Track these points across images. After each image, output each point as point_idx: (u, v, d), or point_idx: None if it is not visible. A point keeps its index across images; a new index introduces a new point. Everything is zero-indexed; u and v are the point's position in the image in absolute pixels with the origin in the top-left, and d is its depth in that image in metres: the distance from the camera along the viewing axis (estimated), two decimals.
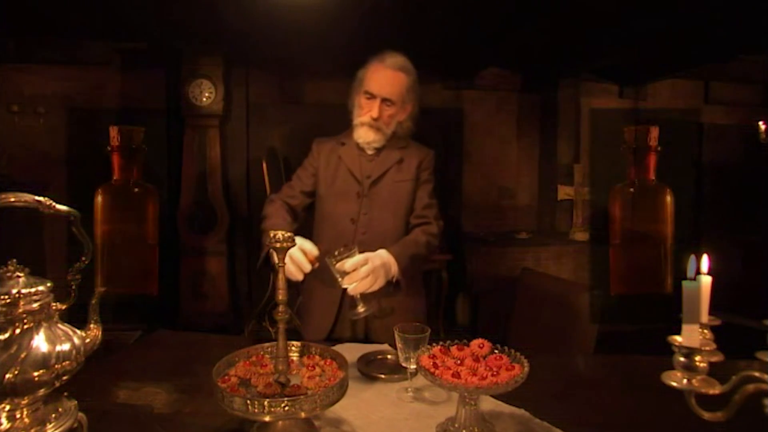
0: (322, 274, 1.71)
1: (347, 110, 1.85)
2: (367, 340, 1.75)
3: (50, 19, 3.14)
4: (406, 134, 1.87)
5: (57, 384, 0.88)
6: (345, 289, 1.66)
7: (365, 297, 1.55)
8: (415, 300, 1.85)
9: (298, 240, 1.54)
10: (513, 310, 2.37)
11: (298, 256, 1.53)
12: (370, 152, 1.83)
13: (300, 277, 1.55)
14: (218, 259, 3.71)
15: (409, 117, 1.84)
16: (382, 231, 1.76)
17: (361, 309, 1.52)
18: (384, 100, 1.74)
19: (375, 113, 1.74)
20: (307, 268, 1.54)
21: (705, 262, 0.81)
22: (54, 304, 0.91)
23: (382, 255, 1.60)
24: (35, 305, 0.86)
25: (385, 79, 1.74)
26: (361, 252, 1.56)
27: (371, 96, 1.75)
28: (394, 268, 1.61)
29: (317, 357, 1.19)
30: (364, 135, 1.77)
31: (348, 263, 1.51)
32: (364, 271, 1.50)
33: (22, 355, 0.83)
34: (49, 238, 3.47)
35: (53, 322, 0.90)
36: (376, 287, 1.54)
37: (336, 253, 1.52)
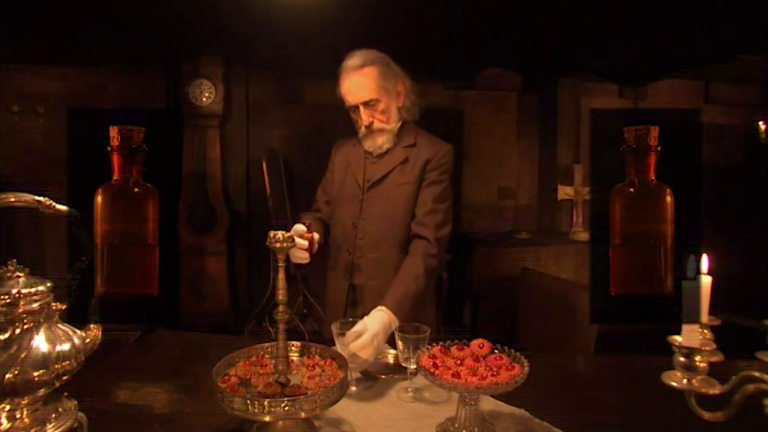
0: (335, 267, 1.79)
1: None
2: None
3: (50, 19, 3.13)
4: (414, 115, 1.79)
5: (57, 384, 0.88)
6: (352, 284, 1.74)
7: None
8: (425, 310, 1.76)
9: (293, 229, 1.55)
10: (513, 311, 2.37)
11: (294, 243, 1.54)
12: (375, 155, 1.78)
13: (304, 256, 1.54)
14: (218, 259, 3.71)
15: (407, 96, 1.76)
16: (378, 237, 1.74)
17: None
18: (365, 104, 1.68)
19: (366, 121, 1.69)
20: (304, 243, 1.52)
21: (705, 262, 0.81)
22: (54, 304, 0.91)
23: (383, 319, 1.43)
24: (35, 305, 0.86)
25: (352, 85, 1.67)
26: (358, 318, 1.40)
27: (354, 108, 1.70)
28: (395, 325, 1.43)
29: (317, 357, 1.20)
30: (371, 143, 1.75)
31: (351, 346, 1.32)
32: (361, 342, 1.32)
33: (22, 355, 0.83)
34: (49, 238, 3.47)
35: (53, 322, 0.90)
36: (376, 353, 1.39)
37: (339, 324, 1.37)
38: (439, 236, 1.67)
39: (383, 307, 1.47)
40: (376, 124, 1.70)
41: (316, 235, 1.62)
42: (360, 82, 1.65)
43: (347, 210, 1.79)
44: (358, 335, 1.33)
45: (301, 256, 1.57)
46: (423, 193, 1.72)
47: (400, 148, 1.75)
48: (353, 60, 1.67)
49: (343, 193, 1.82)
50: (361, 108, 1.67)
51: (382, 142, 1.73)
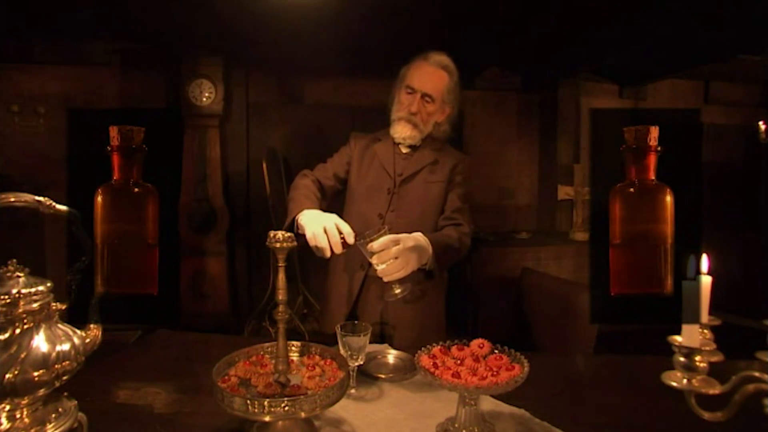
0: (346, 259, 1.74)
1: (386, 108, 1.85)
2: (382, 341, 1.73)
3: (50, 19, 3.14)
4: (442, 138, 1.87)
5: (57, 384, 0.88)
6: (365, 277, 1.68)
7: (400, 279, 1.47)
8: (438, 296, 1.85)
9: (335, 218, 1.52)
10: (513, 311, 2.37)
11: (335, 235, 1.48)
12: (404, 150, 1.83)
13: (328, 254, 1.50)
14: (218, 259, 3.71)
15: (447, 120, 1.85)
16: (408, 230, 1.70)
17: (397, 290, 1.46)
18: (424, 96, 1.75)
19: (414, 107, 1.75)
20: (339, 250, 1.49)
21: (705, 262, 0.81)
22: (54, 304, 0.91)
23: (417, 237, 1.55)
24: (35, 305, 0.86)
25: (426, 75, 1.76)
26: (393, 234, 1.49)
27: (412, 90, 1.76)
28: (429, 253, 1.56)
29: (317, 357, 1.20)
30: (401, 130, 1.78)
31: (377, 243, 1.44)
32: (394, 251, 1.44)
33: (22, 355, 0.83)
34: (49, 238, 3.47)
35: (53, 322, 0.90)
36: (406, 271, 1.47)
37: (366, 233, 1.46)
38: (470, 228, 1.80)
39: (419, 233, 1.57)
40: (419, 117, 1.77)
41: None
42: (435, 76, 1.77)
43: (373, 201, 1.80)
44: (387, 246, 1.44)
45: (326, 253, 1.51)
46: (451, 194, 1.82)
47: (430, 149, 1.84)
48: (440, 57, 1.78)
49: (368, 183, 1.82)
50: (418, 96, 1.75)
51: (410, 134, 1.78)
